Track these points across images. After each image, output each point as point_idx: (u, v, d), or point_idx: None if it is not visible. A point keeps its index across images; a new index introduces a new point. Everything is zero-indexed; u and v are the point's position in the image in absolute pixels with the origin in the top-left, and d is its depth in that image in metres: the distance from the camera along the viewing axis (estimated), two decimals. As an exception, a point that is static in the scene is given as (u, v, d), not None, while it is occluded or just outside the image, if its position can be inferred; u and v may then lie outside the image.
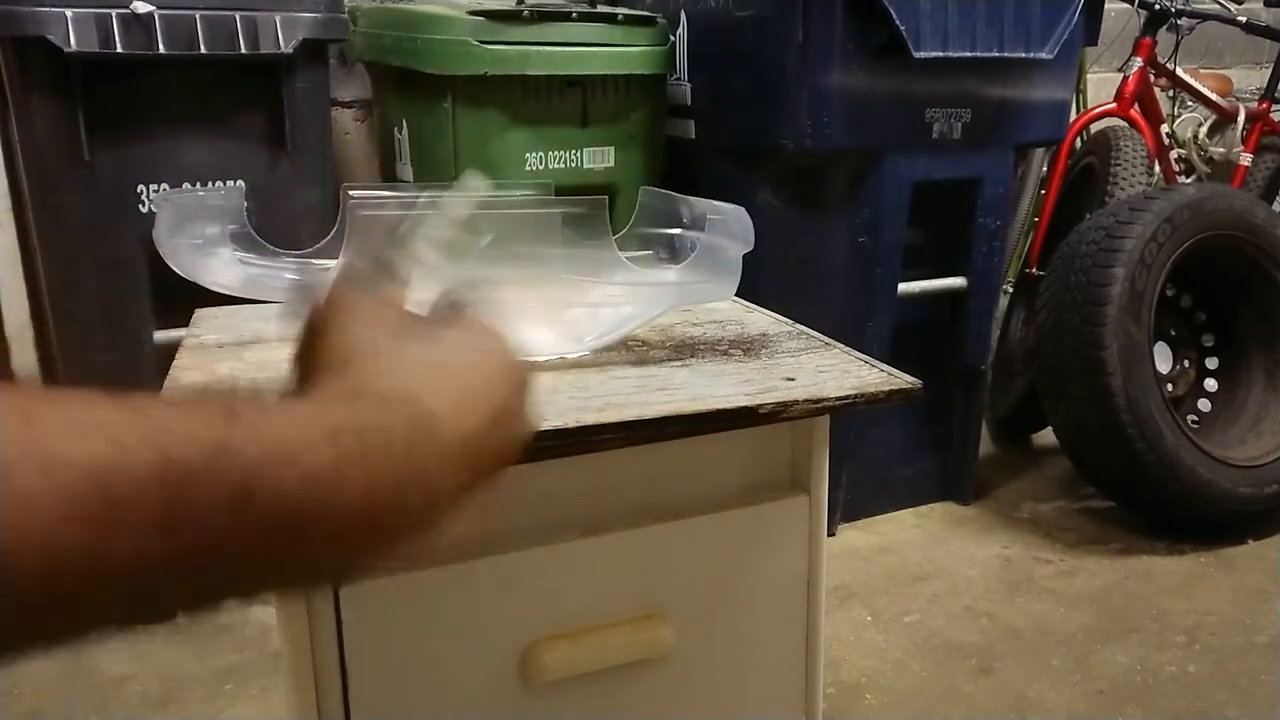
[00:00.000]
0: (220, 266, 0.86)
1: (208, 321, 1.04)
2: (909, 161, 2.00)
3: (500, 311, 0.49)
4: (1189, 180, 3.19)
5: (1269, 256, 2.24)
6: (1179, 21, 2.78)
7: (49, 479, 0.29)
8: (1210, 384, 2.35)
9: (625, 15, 1.99)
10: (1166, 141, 2.97)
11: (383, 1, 2.29)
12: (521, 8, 1.87)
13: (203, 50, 1.62)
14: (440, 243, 0.63)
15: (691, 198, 1.00)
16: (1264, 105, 3.06)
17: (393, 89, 2.11)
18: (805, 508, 0.85)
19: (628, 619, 0.81)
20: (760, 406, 0.77)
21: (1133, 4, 2.73)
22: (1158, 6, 2.71)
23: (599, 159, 2.02)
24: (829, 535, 0.87)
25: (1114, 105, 2.73)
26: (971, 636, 1.79)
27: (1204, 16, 2.84)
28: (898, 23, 1.83)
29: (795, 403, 0.78)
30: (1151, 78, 2.83)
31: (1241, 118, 3.09)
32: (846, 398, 0.79)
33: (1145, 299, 2.05)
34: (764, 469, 0.86)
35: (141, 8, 1.57)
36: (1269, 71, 3.08)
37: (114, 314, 1.71)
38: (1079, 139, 2.84)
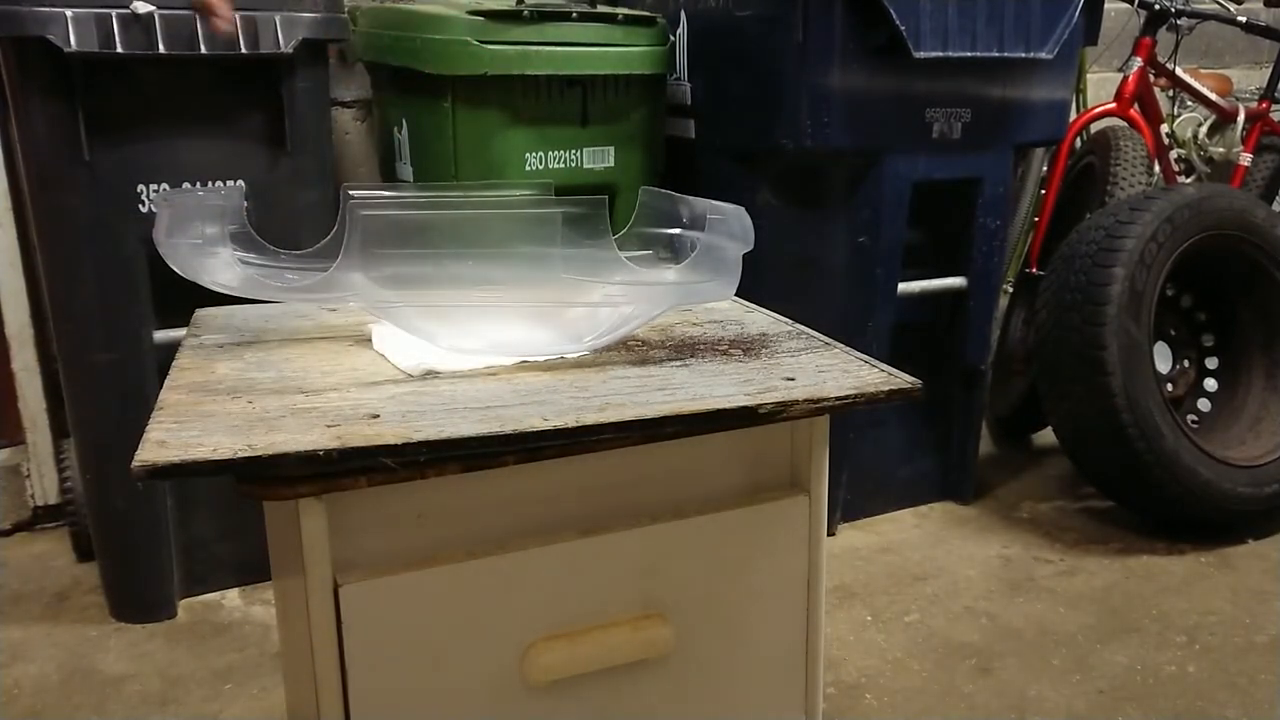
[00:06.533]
0: (220, 266, 0.86)
1: (208, 321, 1.04)
2: (909, 161, 2.00)
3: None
4: (1189, 180, 3.19)
5: (1269, 256, 2.24)
6: (1179, 21, 2.77)
7: None
8: (1210, 384, 2.35)
9: (625, 15, 1.99)
10: (1166, 141, 2.97)
11: (383, 1, 2.29)
12: (521, 8, 1.88)
13: (202, 50, 1.62)
14: None
15: (691, 198, 1.00)
16: (1264, 105, 3.06)
17: (393, 89, 2.11)
18: (805, 508, 0.85)
19: (628, 619, 0.81)
20: (760, 406, 0.77)
21: (1133, 4, 2.73)
22: (1158, 6, 2.70)
23: (599, 159, 2.02)
24: (829, 535, 0.87)
25: (1114, 105, 2.73)
26: (971, 636, 1.79)
27: (1204, 16, 2.83)
28: (898, 23, 1.83)
29: (795, 403, 0.78)
30: (1151, 78, 2.82)
31: (1241, 118, 3.09)
32: (846, 398, 0.80)
33: (1145, 299, 2.05)
34: (764, 469, 0.86)
35: (141, 8, 1.57)
36: (1269, 71, 3.08)
37: (114, 314, 1.71)
38: (1079, 139, 2.84)
